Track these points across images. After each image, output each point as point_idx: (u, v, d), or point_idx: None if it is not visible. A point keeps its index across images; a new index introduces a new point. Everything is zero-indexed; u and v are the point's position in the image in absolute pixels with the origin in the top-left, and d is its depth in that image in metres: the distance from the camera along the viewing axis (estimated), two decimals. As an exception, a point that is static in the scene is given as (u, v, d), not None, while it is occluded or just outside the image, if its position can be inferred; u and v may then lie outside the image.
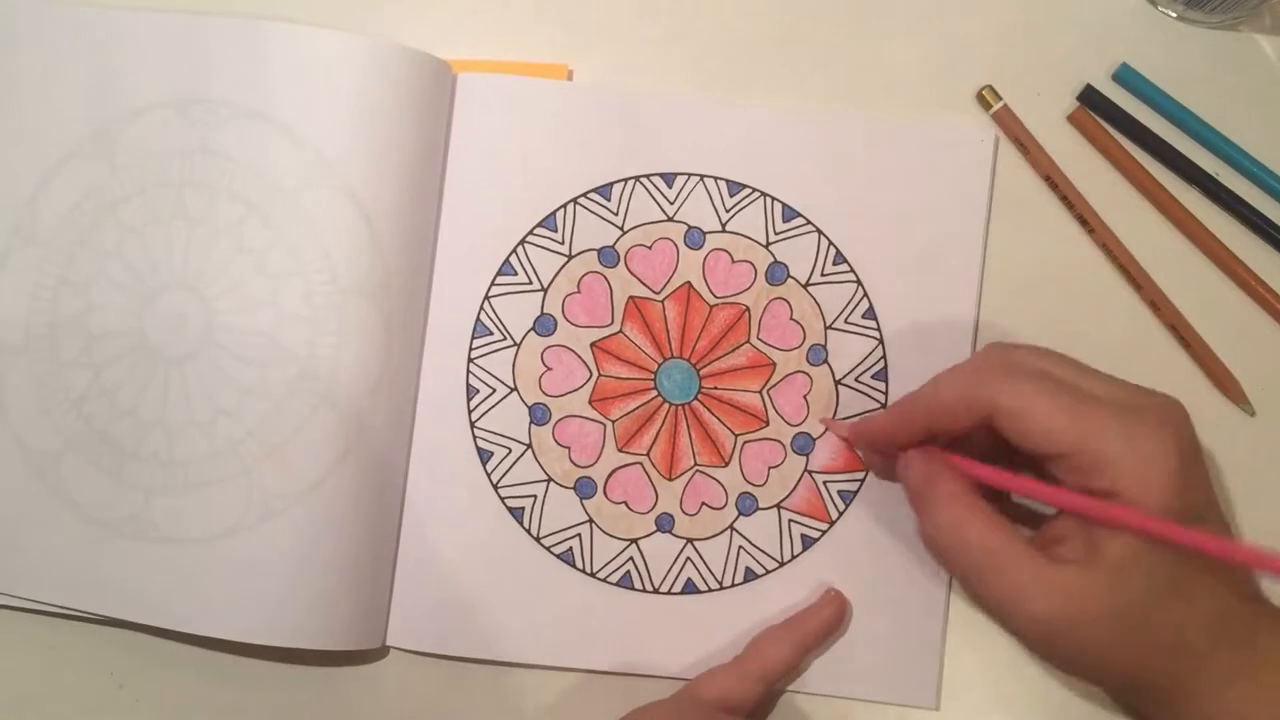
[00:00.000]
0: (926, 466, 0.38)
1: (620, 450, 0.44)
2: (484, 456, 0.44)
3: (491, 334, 0.44)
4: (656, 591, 0.43)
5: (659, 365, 0.44)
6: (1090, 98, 0.45)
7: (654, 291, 0.44)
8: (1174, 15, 0.46)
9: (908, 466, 0.39)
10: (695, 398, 0.44)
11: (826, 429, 0.44)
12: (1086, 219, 0.45)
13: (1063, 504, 0.36)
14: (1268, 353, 0.44)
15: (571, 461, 0.44)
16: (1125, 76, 0.45)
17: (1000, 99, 0.45)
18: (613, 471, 0.44)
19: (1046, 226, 0.45)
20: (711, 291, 0.44)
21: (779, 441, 0.44)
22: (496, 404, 0.44)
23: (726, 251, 0.44)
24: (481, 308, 0.44)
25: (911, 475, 0.39)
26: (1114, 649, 0.36)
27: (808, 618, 0.42)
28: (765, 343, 0.44)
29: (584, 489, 0.44)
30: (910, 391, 0.39)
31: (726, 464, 0.44)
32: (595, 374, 0.44)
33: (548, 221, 0.44)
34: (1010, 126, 0.45)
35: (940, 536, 0.37)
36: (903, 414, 0.39)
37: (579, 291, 0.44)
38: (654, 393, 0.44)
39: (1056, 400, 0.36)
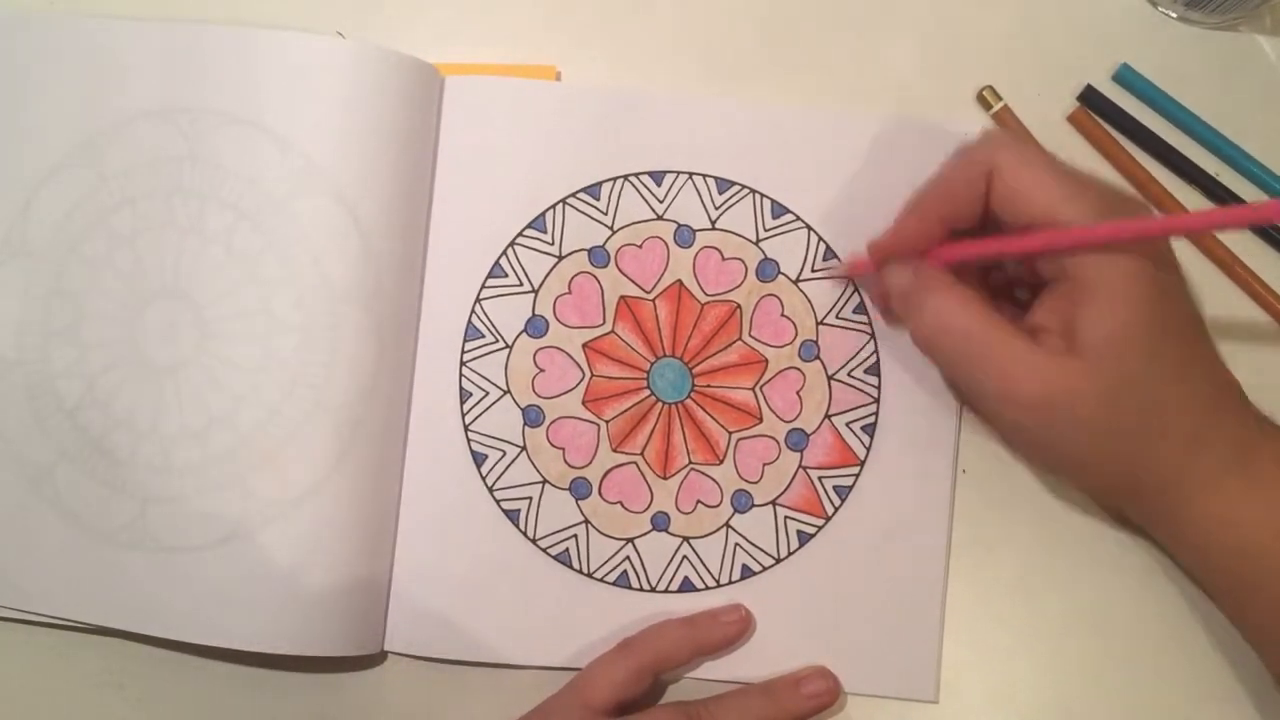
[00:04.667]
0: (913, 267, 0.39)
1: (614, 450, 0.44)
2: (478, 459, 0.44)
3: (483, 336, 0.44)
4: (654, 590, 0.43)
5: (651, 364, 0.44)
6: (1090, 98, 0.45)
7: (645, 290, 0.44)
8: (1174, 15, 0.46)
9: (892, 274, 0.40)
10: (688, 396, 0.44)
11: (841, 274, 0.44)
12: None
13: (1047, 245, 0.36)
14: (1268, 353, 0.44)
15: (566, 463, 0.44)
16: (1125, 77, 0.45)
17: (1000, 99, 0.45)
18: (607, 472, 0.44)
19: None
20: (702, 289, 0.44)
21: (773, 438, 0.44)
22: (490, 407, 0.44)
23: (717, 249, 0.44)
24: (473, 310, 0.44)
25: (897, 279, 0.39)
26: (1100, 436, 0.36)
27: (713, 628, 0.42)
28: (757, 339, 0.44)
29: (579, 490, 0.44)
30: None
31: (721, 462, 0.44)
32: (588, 374, 0.44)
33: (537, 223, 0.44)
34: (1011, 127, 0.45)
35: (930, 327, 0.38)
36: (914, 205, 0.39)
37: (570, 292, 0.44)
38: (647, 392, 0.44)
39: (1053, 170, 0.36)
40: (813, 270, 0.44)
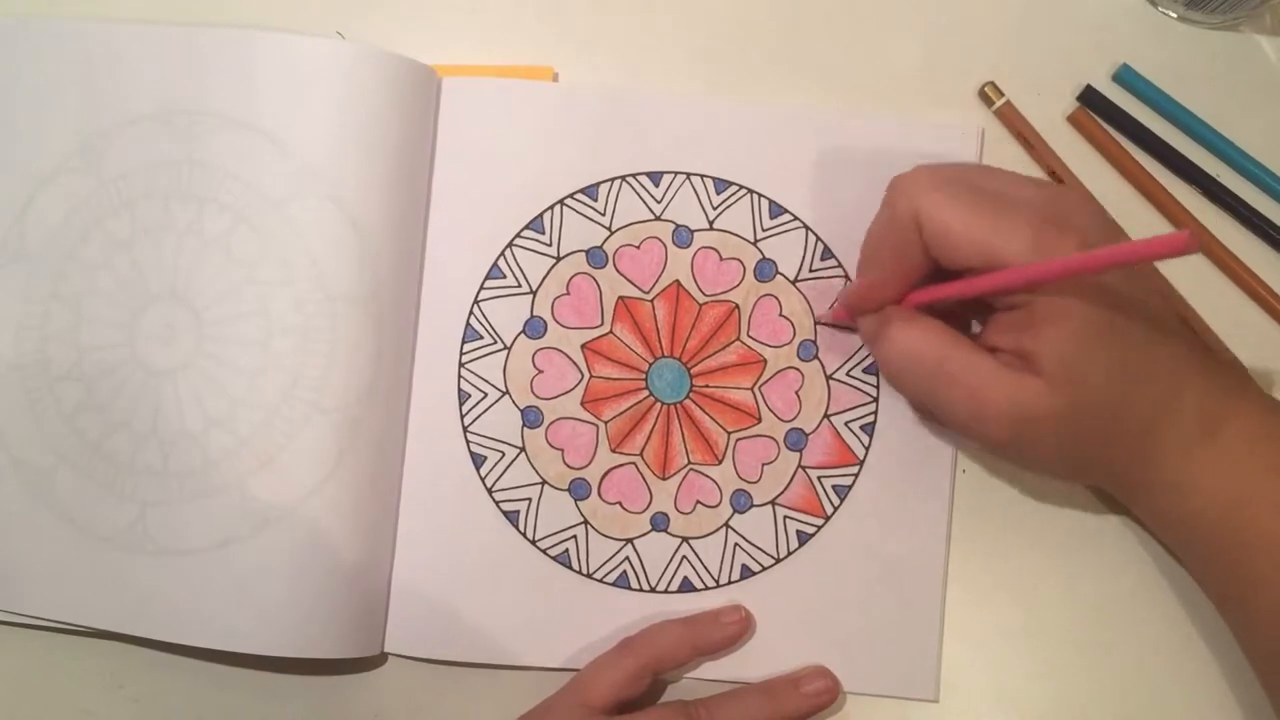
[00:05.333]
0: (879, 310, 0.39)
1: (613, 451, 0.44)
2: (477, 461, 0.44)
3: (482, 338, 0.44)
4: (654, 591, 0.43)
5: (650, 365, 0.44)
6: (1090, 98, 0.45)
7: (643, 291, 0.44)
8: (1174, 15, 0.46)
9: (863, 324, 0.40)
10: (687, 396, 0.44)
11: (828, 322, 0.44)
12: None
13: (1006, 284, 0.36)
14: (1268, 353, 0.44)
15: (565, 464, 0.44)
16: (1125, 77, 0.45)
17: (1003, 95, 0.45)
18: (607, 472, 0.44)
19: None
20: (700, 290, 0.44)
21: (772, 438, 0.44)
22: (488, 408, 0.44)
23: (714, 249, 0.44)
24: (471, 312, 0.44)
25: (866, 322, 0.40)
26: (1067, 447, 0.37)
27: (713, 629, 0.42)
28: (755, 340, 0.44)
29: (578, 490, 0.44)
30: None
31: (720, 462, 0.44)
32: (586, 375, 0.44)
33: (535, 224, 0.44)
34: (1014, 123, 0.45)
35: (896, 358, 0.38)
36: (867, 261, 0.40)
37: (568, 293, 0.44)
38: (646, 392, 0.44)
39: (973, 206, 0.36)
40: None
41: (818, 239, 0.44)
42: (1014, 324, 0.37)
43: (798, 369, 0.44)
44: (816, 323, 0.44)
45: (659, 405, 0.44)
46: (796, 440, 0.44)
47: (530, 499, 0.44)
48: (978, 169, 0.39)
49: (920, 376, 0.38)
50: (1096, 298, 0.36)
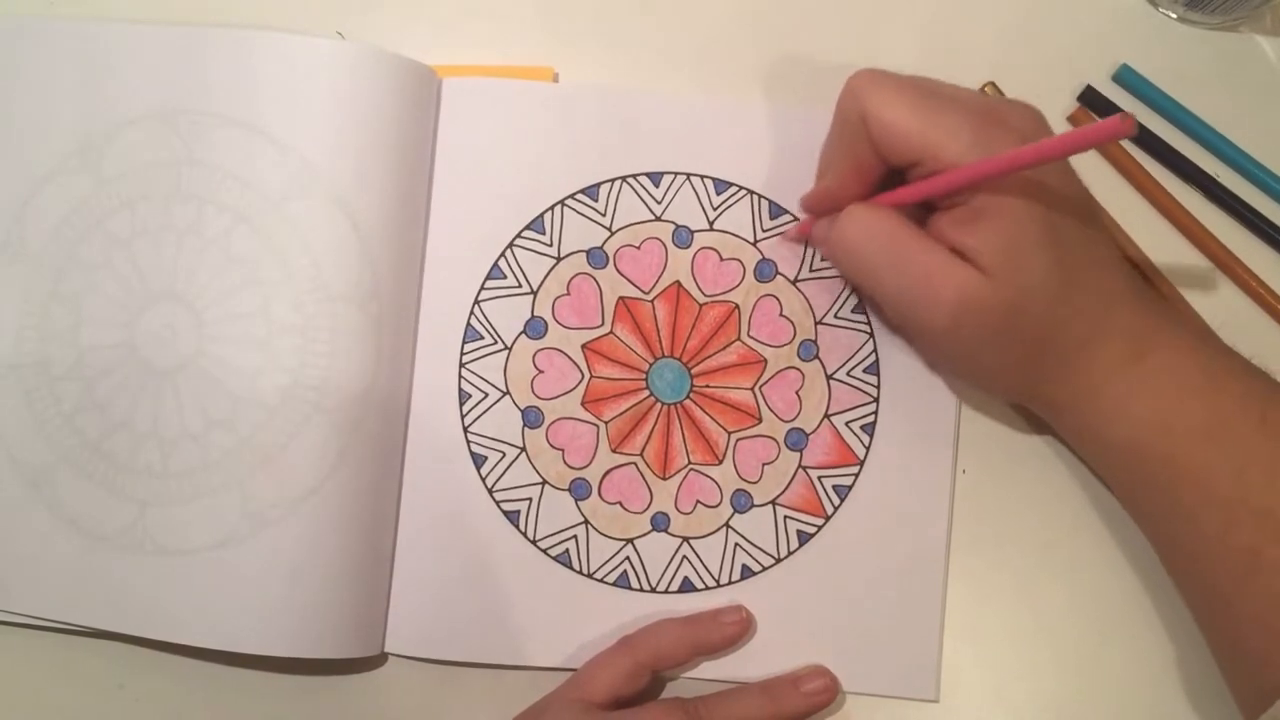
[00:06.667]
0: (833, 213, 0.40)
1: (614, 451, 0.44)
2: (478, 461, 0.44)
3: (482, 338, 0.44)
4: (654, 591, 0.43)
5: (650, 365, 0.44)
6: (1090, 98, 0.45)
7: (643, 291, 0.44)
8: (1174, 16, 0.46)
9: (818, 225, 0.41)
10: (687, 396, 0.44)
11: (792, 238, 0.44)
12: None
13: (956, 183, 0.37)
14: (1268, 353, 0.44)
15: (565, 464, 0.44)
16: (1125, 77, 0.45)
17: (1003, 95, 0.45)
18: (607, 472, 0.44)
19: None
20: (701, 290, 0.44)
21: (772, 438, 0.44)
22: (489, 408, 0.44)
23: (715, 250, 0.44)
24: (472, 312, 0.44)
25: (821, 225, 0.41)
26: (1006, 344, 0.37)
27: (713, 629, 0.42)
28: (756, 340, 0.44)
29: (579, 490, 0.44)
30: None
31: (720, 462, 0.44)
32: (587, 375, 0.44)
33: (536, 224, 0.44)
34: None
35: (851, 236, 0.39)
36: (824, 166, 0.41)
37: (568, 293, 0.44)
38: (646, 393, 0.44)
39: (915, 104, 0.37)
40: (764, 230, 0.44)
41: (818, 239, 0.44)
42: (954, 221, 0.37)
43: (798, 369, 0.44)
44: (783, 239, 0.44)
45: (659, 405, 0.44)
46: (797, 440, 0.44)
47: (530, 499, 0.44)
48: (924, 78, 0.39)
49: (873, 254, 0.38)
50: (1033, 194, 0.36)
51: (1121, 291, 0.38)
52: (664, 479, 0.44)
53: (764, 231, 0.44)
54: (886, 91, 0.37)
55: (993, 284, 0.36)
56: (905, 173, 0.38)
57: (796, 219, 0.44)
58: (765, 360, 0.44)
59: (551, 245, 0.44)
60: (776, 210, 0.44)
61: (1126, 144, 0.45)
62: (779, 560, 0.43)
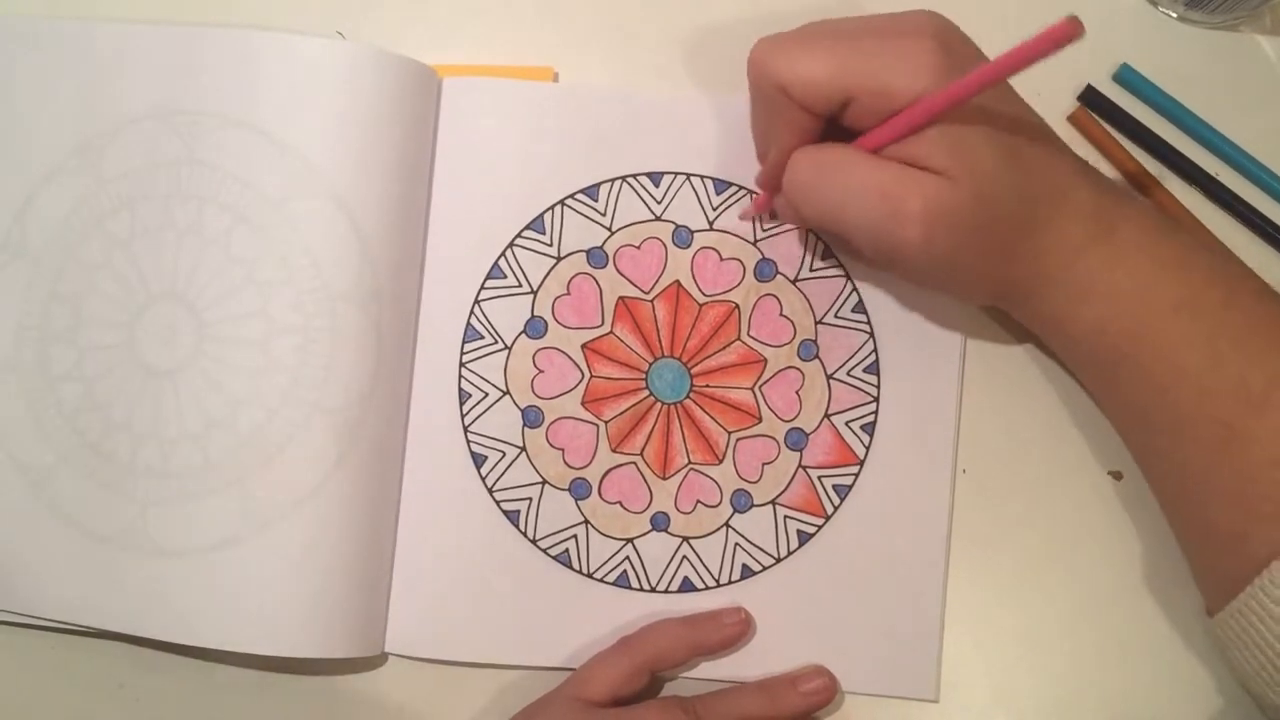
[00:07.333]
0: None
1: (614, 451, 0.44)
2: (478, 461, 0.44)
3: (482, 338, 0.44)
4: (654, 591, 0.43)
5: (650, 365, 0.44)
6: (1090, 98, 0.45)
7: (643, 291, 0.44)
8: (1174, 15, 0.46)
9: (778, 199, 0.41)
10: (687, 396, 0.44)
11: (751, 215, 0.44)
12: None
13: (902, 127, 0.36)
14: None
15: (565, 463, 0.44)
16: (1125, 76, 0.45)
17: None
18: (607, 472, 0.44)
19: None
20: (700, 290, 0.44)
21: (772, 438, 0.44)
22: (489, 408, 0.44)
23: (714, 249, 0.44)
24: (472, 312, 0.44)
25: (779, 198, 0.40)
26: (976, 238, 0.37)
27: (712, 629, 0.42)
28: (756, 339, 0.44)
29: (578, 490, 0.44)
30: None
31: (720, 461, 0.44)
32: (587, 375, 0.44)
33: (536, 224, 0.44)
34: None
35: (802, 184, 0.38)
36: (757, 145, 0.41)
37: (568, 293, 0.44)
38: (646, 392, 0.44)
39: (825, 51, 0.36)
40: (763, 230, 0.44)
41: (818, 238, 0.44)
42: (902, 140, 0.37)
43: (798, 369, 0.44)
44: (740, 218, 0.44)
45: (659, 405, 0.44)
46: (797, 440, 0.44)
47: (530, 499, 0.44)
48: (812, 23, 0.39)
49: (829, 186, 0.38)
50: (979, 104, 0.36)
51: (1076, 172, 0.38)
52: (664, 479, 0.44)
53: (764, 231, 0.44)
54: (792, 51, 0.37)
55: (952, 184, 0.36)
56: (840, 115, 0.37)
57: (796, 219, 0.44)
58: (765, 360, 0.44)
59: (551, 245, 0.44)
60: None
61: (1127, 144, 0.45)
62: (779, 560, 0.43)
